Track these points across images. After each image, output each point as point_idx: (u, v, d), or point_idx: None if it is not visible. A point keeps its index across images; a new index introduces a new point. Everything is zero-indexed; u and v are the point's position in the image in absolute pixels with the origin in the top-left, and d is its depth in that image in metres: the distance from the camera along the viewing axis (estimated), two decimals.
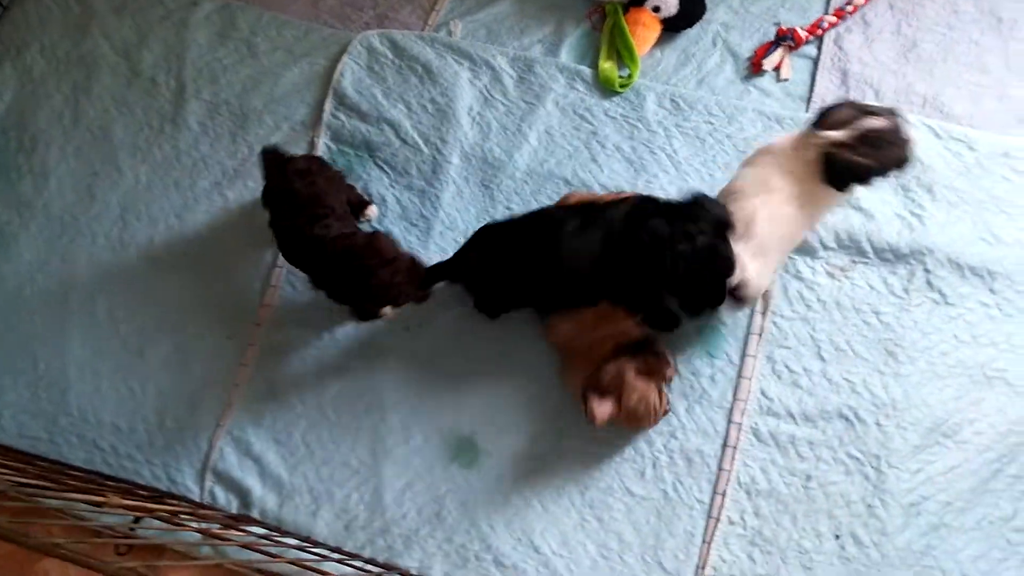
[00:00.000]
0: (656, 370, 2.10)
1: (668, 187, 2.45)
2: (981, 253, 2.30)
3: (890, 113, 2.00)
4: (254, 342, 2.40)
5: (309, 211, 2.11)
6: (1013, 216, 2.33)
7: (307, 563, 1.96)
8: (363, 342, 2.37)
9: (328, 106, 2.66)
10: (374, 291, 2.06)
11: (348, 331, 2.37)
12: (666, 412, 2.16)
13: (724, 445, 2.21)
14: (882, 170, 2.00)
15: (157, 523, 1.89)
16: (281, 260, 2.45)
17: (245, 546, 1.91)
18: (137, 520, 1.98)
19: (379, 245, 2.05)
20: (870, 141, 1.97)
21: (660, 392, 2.12)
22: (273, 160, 2.27)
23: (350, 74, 2.69)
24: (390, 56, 2.71)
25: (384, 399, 2.32)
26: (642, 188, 2.45)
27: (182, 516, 1.99)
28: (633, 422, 2.12)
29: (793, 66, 2.61)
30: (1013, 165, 2.37)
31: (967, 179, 2.38)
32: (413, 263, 2.11)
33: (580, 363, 2.16)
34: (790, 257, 2.32)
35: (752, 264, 2.02)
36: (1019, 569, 2.06)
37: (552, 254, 2.10)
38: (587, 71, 2.64)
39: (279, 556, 1.94)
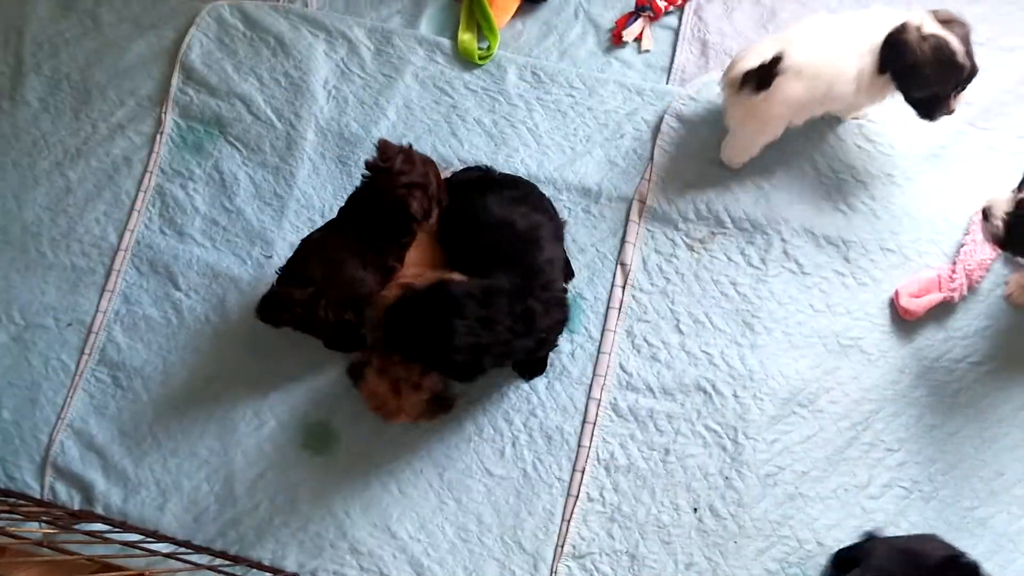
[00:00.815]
0: (388, 365, 1.99)
1: (528, 161, 2.40)
2: (836, 223, 2.31)
3: (965, 32, 2.02)
4: (97, 330, 2.28)
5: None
6: (867, 185, 2.34)
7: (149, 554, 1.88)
8: (214, 327, 2.27)
9: (175, 80, 2.54)
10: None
11: (197, 316, 2.28)
12: (422, 415, 2.07)
13: (583, 422, 2.18)
14: (922, 70, 2.01)
15: None
16: (126, 243, 2.34)
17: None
18: None
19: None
20: (937, 47, 1.99)
21: (396, 385, 1.99)
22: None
23: (198, 47, 2.57)
24: (241, 28, 2.59)
25: (235, 386, 2.23)
26: (502, 162, 2.40)
27: (13, 516, 1.88)
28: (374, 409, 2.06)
29: (654, 37, 2.58)
30: (866, 134, 2.37)
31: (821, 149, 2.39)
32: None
33: None
34: (648, 229, 2.31)
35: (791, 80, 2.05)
36: None
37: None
38: (447, 43, 2.57)
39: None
